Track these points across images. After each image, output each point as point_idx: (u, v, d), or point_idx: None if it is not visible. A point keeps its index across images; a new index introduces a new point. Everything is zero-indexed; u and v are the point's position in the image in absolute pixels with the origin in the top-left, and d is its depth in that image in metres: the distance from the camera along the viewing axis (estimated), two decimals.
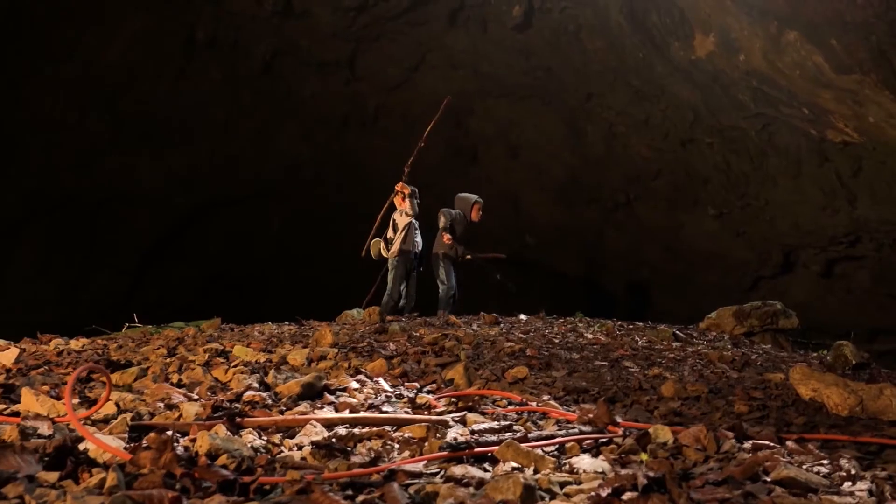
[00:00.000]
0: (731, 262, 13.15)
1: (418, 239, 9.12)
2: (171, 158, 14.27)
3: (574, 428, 2.60)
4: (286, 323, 7.20)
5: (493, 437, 2.35)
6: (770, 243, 12.32)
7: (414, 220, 9.07)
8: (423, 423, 2.61)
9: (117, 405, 2.80)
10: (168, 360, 4.17)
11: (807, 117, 9.43)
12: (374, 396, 3.28)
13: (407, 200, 8.99)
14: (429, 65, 13.23)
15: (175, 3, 11.99)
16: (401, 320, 7.07)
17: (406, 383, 3.69)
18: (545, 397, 3.45)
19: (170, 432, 2.31)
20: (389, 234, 9.12)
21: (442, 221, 9.05)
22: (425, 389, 3.57)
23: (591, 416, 2.71)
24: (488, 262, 9.78)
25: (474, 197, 9.38)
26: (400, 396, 3.33)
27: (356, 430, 2.54)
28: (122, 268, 14.85)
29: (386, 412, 2.88)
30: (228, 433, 2.33)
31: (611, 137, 12.81)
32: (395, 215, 9.17)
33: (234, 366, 3.89)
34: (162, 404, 2.87)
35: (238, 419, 2.51)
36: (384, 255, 9.14)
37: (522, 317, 7.99)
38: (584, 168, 13.74)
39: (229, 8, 12.03)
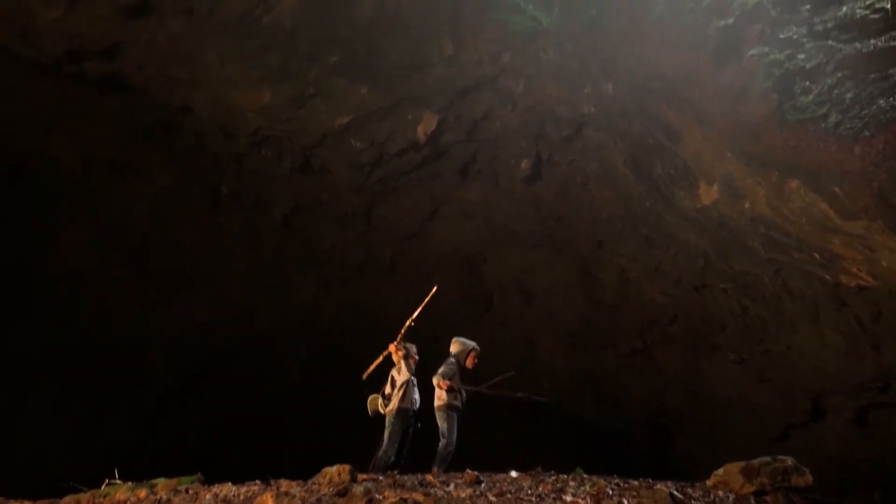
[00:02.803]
0: (756, 410, 12.68)
1: (416, 396, 8.92)
2: (190, 306, 14.49)
3: None
4: (255, 482, 6.89)
5: None
6: (795, 390, 11.92)
7: (412, 377, 8.93)
8: None
9: None
10: None
11: (819, 262, 9.40)
12: None
13: (402, 362, 8.91)
14: (442, 216, 13.59)
15: (201, 161, 12.64)
16: (378, 478, 6.76)
17: None
18: None
19: None
20: (387, 390, 8.94)
21: (441, 370, 8.87)
22: None
23: None
24: (499, 386, 9.47)
25: (472, 343, 9.23)
26: None
27: None
28: (137, 415, 14.71)
29: None
30: None
31: (624, 283, 12.84)
32: (394, 371, 9.05)
33: None
34: None
35: None
36: (381, 411, 8.91)
37: (514, 473, 7.52)
38: (598, 313, 13.68)
39: (251, 166, 12.62)
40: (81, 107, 11.12)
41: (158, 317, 14.28)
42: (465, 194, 12.92)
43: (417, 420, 9.01)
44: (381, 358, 9.24)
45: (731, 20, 8.67)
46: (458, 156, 12.03)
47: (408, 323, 9.10)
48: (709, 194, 9.84)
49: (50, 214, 12.67)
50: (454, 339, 9.33)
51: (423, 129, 11.24)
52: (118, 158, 12.34)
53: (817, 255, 9.27)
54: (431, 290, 9.31)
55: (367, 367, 9.38)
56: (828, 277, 9.52)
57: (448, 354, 9.10)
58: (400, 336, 9.17)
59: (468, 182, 12.61)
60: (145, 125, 11.72)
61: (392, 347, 9.10)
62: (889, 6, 7.11)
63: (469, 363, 9.11)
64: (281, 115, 11.12)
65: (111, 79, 10.51)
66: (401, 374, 8.88)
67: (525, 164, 11.64)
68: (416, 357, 9.10)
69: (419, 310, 9.16)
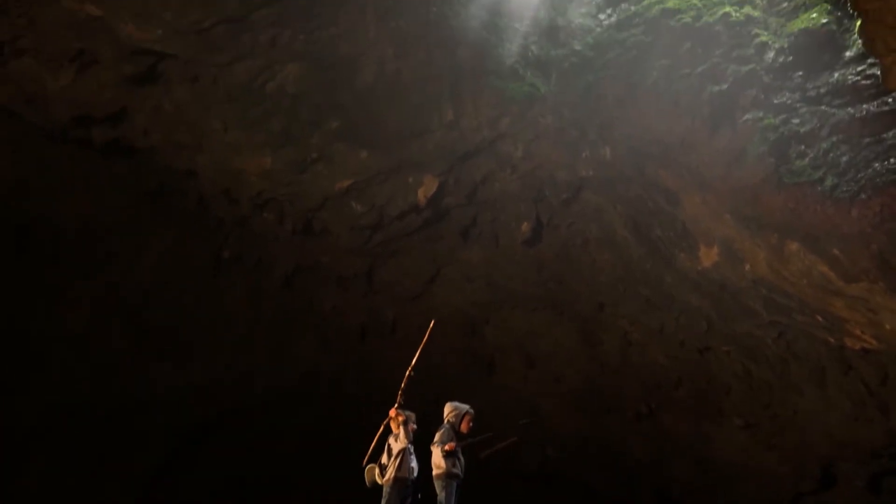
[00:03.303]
0: (765, 477, 12.38)
1: (414, 465, 8.64)
2: (190, 369, 14.36)
3: None
4: None
5: None
6: (805, 456, 11.66)
7: (409, 445, 8.71)
8: None
9: None
10: None
11: (822, 325, 9.32)
12: None
13: (401, 428, 8.68)
14: (444, 277, 13.57)
15: (203, 223, 12.73)
16: None
17: None
18: None
19: None
20: (384, 459, 8.71)
21: (438, 438, 8.66)
22: None
23: None
24: (502, 450, 9.20)
25: (466, 407, 9.00)
26: None
27: None
28: (135, 480, 14.41)
29: None
30: None
31: (626, 346, 12.72)
32: (391, 440, 8.81)
33: None
34: None
35: None
36: (378, 482, 8.66)
37: None
38: (601, 376, 13.51)
39: (254, 228, 12.70)
40: (86, 171, 11.28)
41: (157, 380, 14.14)
42: (467, 256, 12.93)
43: (416, 490, 8.75)
44: (381, 429, 9.03)
45: (724, 86, 8.84)
46: (459, 218, 12.09)
47: (408, 373, 8.91)
48: (709, 256, 9.84)
49: (52, 277, 12.70)
50: (447, 404, 9.14)
51: (424, 192, 11.35)
52: (121, 221, 12.44)
53: (820, 318, 9.19)
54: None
55: (367, 447, 9.13)
56: (832, 340, 9.42)
57: (442, 421, 8.91)
58: (401, 391, 8.94)
59: (469, 244, 12.63)
60: (149, 189, 11.86)
61: (392, 412, 8.90)
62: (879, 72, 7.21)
63: (464, 427, 8.89)
64: (283, 178, 11.26)
65: (116, 144, 10.71)
66: (398, 442, 8.66)
67: (525, 227, 11.69)
68: (415, 425, 8.89)
69: (418, 354, 8.98)
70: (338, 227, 12.28)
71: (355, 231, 12.28)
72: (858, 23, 7.10)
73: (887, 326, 8.43)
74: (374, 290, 14.02)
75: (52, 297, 12.87)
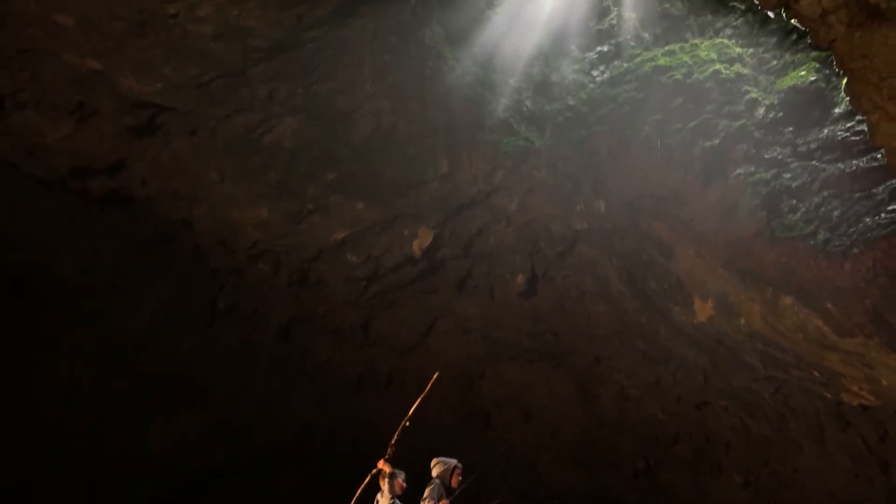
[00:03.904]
0: None
1: None
2: (182, 422, 14.18)
3: None
4: None
5: None
6: None
7: (395, 501, 8.54)
8: None
9: None
10: None
11: (818, 380, 9.23)
12: None
13: (386, 481, 8.50)
14: (440, 329, 13.50)
15: (199, 274, 12.72)
16: None
17: None
18: None
19: None
20: None
21: (428, 495, 8.47)
22: None
23: None
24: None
25: (454, 461, 8.82)
26: None
27: None
28: None
29: None
30: None
31: (623, 400, 12.58)
32: (378, 496, 8.65)
33: None
34: None
35: None
36: None
37: None
38: (599, 431, 13.32)
39: (249, 279, 12.69)
40: (84, 221, 11.33)
41: (151, 432, 13.96)
42: (462, 308, 12.88)
43: None
44: (367, 479, 8.83)
45: (716, 141, 8.95)
46: (454, 270, 12.09)
47: (403, 423, 8.74)
48: (704, 310, 9.80)
49: (49, 327, 12.65)
50: (434, 460, 8.96)
51: (419, 244, 11.38)
52: (118, 271, 12.44)
53: (816, 373, 9.11)
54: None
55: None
56: (829, 395, 9.32)
57: (430, 478, 8.74)
58: (393, 443, 8.77)
59: (465, 296, 12.60)
60: (145, 238, 11.89)
61: (381, 464, 8.73)
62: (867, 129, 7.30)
63: (454, 483, 8.72)
64: (279, 230, 11.30)
65: (114, 194, 10.79)
66: (384, 497, 8.50)
67: (521, 279, 11.68)
68: (404, 483, 8.71)
69: (416, 405, 8.82)
70: (333, 278, 12.27)
71: (351, 282, 12.27)
72: (845, 81, 7.23)
73: (884, 382, 8.35)
74: (370, 341, 13.93)
75: (47, 348, 12.80)
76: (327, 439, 15.48)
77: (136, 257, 12.30)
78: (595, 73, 10.44)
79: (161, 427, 14.00)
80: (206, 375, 14.03)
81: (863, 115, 7.12)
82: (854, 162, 8.07)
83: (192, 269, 12.64)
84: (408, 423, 8.67)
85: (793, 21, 7.33)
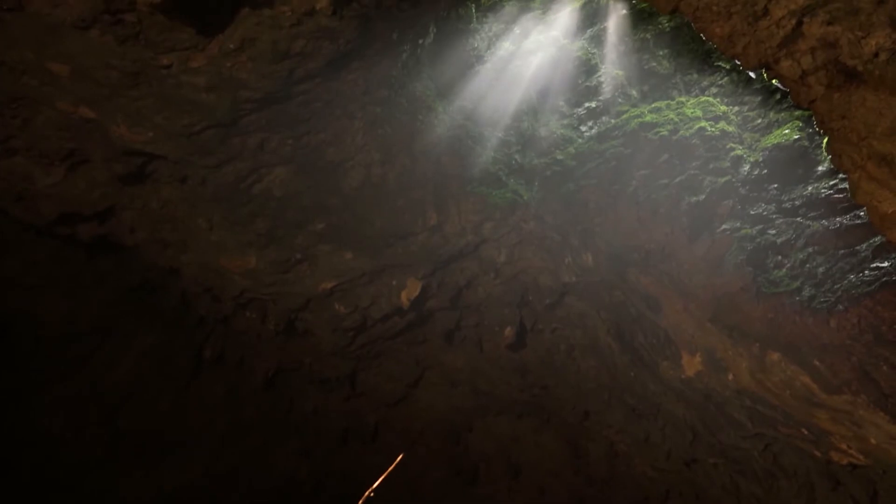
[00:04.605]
0: None
1: None
2: (163, 474, 13.86)
3: None
4: None
5: None
6: None
7: None
8: None
9: None
10: None
11: (807, 437, 9.11)
12: None
13: None
14: (428, 381, 13.37)
15: (185, 321, 12.61)
16: None
17: None
18: None
19: None
20: None
21: None
22: None
23: None
24: None
25: None
26: None
27: None
28: None
29: None
30: None
31: (613, 456, 12.39)
32: None
33: None
34: None
35: None
36: None
37: None
38: (588, 489, 13.07)
39: (236, 327, 12.59)
40: (71, 267, 11.26)
41: (130, 484, 13.64)
42: (451, 360, 12.78)
43: None
44: None
45: (702, 196, 9.03)
46: (443, 322, 12.03)
47: (367, 493, 8.63)
48: (692, 365, 9.74)
49: (30, 376, 12.45)
50: None
51: (407, 295, 11.33)
52: (103, 318, 12.32)
53: (805, 431, 9.00)
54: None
55: None
56: (818, 454, 9.18)
57: None
58: None
59: (453, 348, 12.52)
60: (132, 285, 11.81)
61: None
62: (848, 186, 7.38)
63: None
64: (267, 278, 11.25)
65: (102, 240, 10.74)
66: None
67: (509, 332, 11.62)
68: None
69: (382, 477, 8.72)
70: (321, 328, 12.19)
71: (338, 332, 12.18)
72: (826, 140, 7.34)
73: (872, 441, 8.25)
74: (357, 392, 13.78)
75: (28, 398, 12.58)
76: (312, 492, 15.16)
77: (123, 305, 12.19)
78: (583, 128, 10.60)
79: (139, 480, 13.67)
80: (189, 427, 13.78)
81: (844, 174, 7.20)
82: (838, 219, 8.15)
83: (177, 317, 12.53)
84: (371, 494, 8.63)
85: (774, 81, 7.47)
